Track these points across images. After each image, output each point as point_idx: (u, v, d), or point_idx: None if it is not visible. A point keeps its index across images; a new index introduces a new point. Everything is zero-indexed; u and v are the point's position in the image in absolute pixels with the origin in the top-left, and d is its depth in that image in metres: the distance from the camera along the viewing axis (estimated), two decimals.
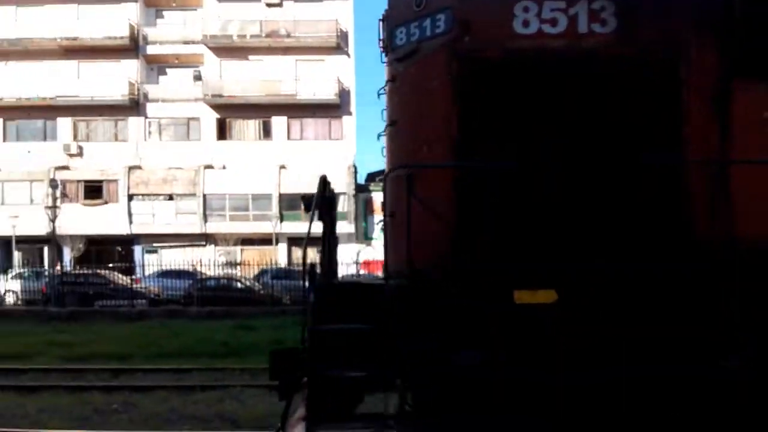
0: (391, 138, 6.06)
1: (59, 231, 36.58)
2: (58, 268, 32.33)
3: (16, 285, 32.65)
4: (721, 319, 5.11)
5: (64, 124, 44.00)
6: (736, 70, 5.53)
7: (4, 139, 44.37)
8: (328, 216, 6.34)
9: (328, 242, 6.54)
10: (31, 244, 40.69)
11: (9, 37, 42.91)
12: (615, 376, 4.97)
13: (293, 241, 39.97)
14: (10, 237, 38.80)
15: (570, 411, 4.87)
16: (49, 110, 43.37)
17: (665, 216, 5.40)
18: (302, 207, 38.87)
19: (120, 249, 41.47)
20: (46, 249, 40.73)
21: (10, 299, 32.24)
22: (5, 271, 35.13)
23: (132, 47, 43.95)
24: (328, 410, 5.16)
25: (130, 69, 44.23)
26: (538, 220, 5.42)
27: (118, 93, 42.99)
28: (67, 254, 39.80)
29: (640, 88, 5.56)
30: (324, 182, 6.25)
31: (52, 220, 35.49)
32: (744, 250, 5.15)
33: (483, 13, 5.79)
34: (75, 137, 44.01)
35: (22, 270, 35.97)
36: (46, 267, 36.65)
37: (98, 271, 33.08)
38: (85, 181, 42.32)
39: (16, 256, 40.13)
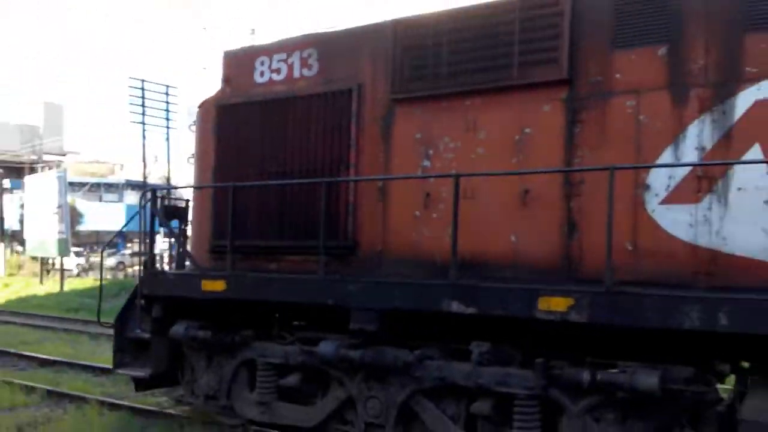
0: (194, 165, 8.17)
1: None
2: None
3: None
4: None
5: None
6: (397, 97, 6.46)
7: None
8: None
9: None
10: None
11: None
12: None
13: None
14: None
15: None
16: None
17: (337, 218, 6.63)
18: None
19: None
20: None
21: None
22: None
23: None
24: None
25: None
26: (259, 217, 7.12)
27: None
28: None
29: (330, 119, 6.83)
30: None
31: None
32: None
33: (236, 69, 7.61)
34: None
35: None
36: None
37: None
38: None
39: None
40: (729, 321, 4.44)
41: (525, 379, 5.32)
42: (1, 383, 9.30)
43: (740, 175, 4.93)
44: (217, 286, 6.74)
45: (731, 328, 4.45)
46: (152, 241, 7.94)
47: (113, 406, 8.28)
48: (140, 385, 7.75)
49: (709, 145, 5.11)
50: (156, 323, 7.30)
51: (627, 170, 5.20)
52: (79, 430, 7.39)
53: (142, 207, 7.69)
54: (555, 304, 5.02)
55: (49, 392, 9.08)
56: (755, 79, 4.95)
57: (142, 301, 7.36)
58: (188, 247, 8.00)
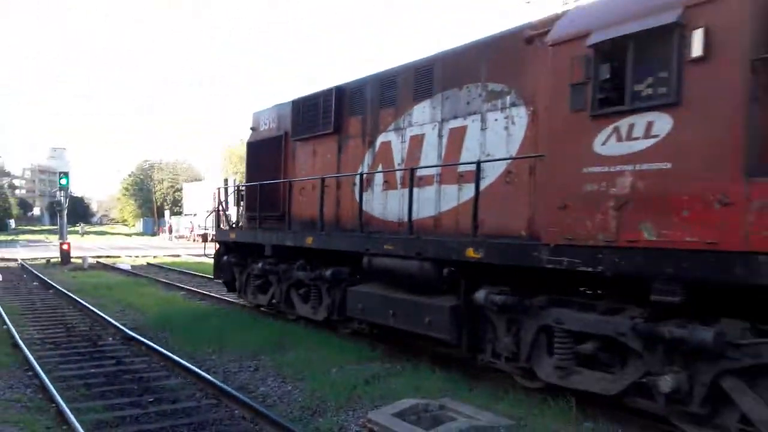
0: None
1: None
2: None
3: None
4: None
5: None
6: (294, 139, 12.79)
7: None
8: None
9: None
10: None
11: None
12: None
13: None
14: None
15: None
16: None
17: (280, 202, 13.19)
18: None
19: None
20: None
21: None
22: None
23: None
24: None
25: None
26: (259, 201, 14.05)
27: None
28: None
29: (278, 149, 13.40)
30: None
31: None
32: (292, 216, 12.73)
33: (254, 123, 14.54)
34: None
35: None
36: None
37: None
38: None
39: None
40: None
41: None
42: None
43: (378, 178, 10.38)
44: (232, 235, 13.99)
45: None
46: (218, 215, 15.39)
47: (444, 365, 8.75)
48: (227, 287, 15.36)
49: (370, 163, 10.60)
50: (218, 254, 14.89)
51: (353, 174, 10.91)
52: (415, 381, 8.05)
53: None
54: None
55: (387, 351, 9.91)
56: (384, 131, 10.32)
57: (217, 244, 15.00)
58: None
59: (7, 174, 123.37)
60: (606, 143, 6.15)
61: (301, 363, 9.19)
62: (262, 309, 13.98)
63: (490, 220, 8.02)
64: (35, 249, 43.14)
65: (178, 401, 7.86)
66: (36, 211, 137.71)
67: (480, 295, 7.75)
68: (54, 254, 32.30)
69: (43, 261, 30.91)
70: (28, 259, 31.61)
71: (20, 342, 10.83)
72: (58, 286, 19.31)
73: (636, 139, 5.90)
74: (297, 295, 12.27)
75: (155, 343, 10.73)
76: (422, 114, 9.49)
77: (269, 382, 8.64)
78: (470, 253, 7.73)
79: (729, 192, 5.17)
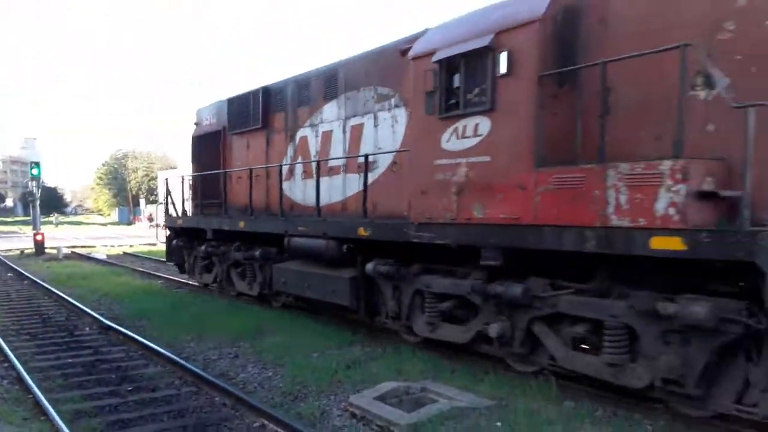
0: None
1: None
2: None
3: None
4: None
5: None
6: (230, 133, 14.13)
7: None
8: None
9: None
10: None
11: None
12: None
13: None
14: None
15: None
16: None
17: (219, 190, 14.57)
18: None
19: None
20: None
21: None
22: None
23: None
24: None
25: None
26: (202, 190, 15.40)
27: None
28: None
29: (216, 143, 14.73)
30: None
31: None
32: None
33: (198, 117, 15.86)
34: None
35: None
36: None
37: None
38: None
39: None
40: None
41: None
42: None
43: (299, 168, 11.80)
44: (179, 221, 15.38)
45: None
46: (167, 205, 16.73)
47: (425, 347, 8.90)
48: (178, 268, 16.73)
49: (292, 155, 12.02)
50: (169, 239, 16.26)
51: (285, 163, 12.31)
52: (396, 365, 8.15)
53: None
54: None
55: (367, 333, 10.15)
56: (302, 126, 11.73)
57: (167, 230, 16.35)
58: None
59: None
60: (449, 140, 7.63)
61: (281, 349, 9.25)
62: (210, 287, 15.40)
63: (383, 204, 9.51)
64: (9, 240, 43.31)
65: (158, 389, 7.84)
66: (9, 202, 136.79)
67: (370, 266, 9.27)
68: (28, 245, 32.48)
69: (17, 252, 31.14)
70: (2, 251, 31.79)
71: None
72: (32, 277, 19.37)
73: (468, 137, 7.38)
74: (236, 274, 13.72)
75: (133, 332, 10.71)
76: (331, 112, 10.92)
77: (249, 368, 8.66)
78: (361, 232, 9.22)
79: (524, 179, 6.68)
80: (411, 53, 8.26)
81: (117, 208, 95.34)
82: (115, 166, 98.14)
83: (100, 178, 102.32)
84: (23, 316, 13.14)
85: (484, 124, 7.19)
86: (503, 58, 6.88)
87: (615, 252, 5.86)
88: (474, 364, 8.20)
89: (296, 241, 10.92)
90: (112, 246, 36.18)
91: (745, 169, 5.08)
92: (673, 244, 5.39)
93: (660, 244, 5.49)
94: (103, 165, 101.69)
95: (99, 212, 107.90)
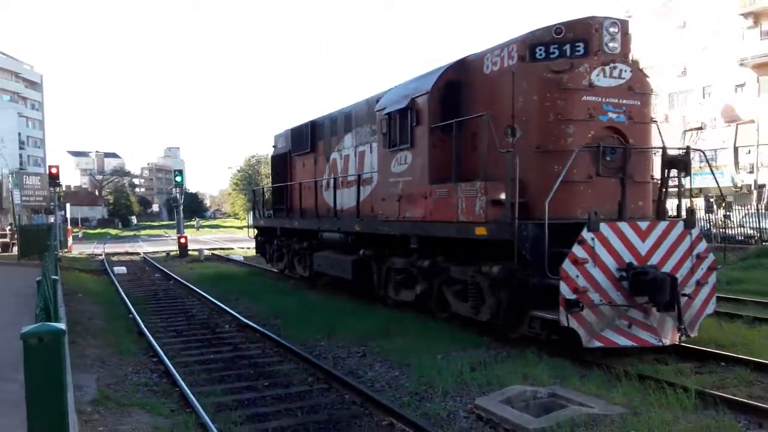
0: None
1: None
2: None
3: None
4: None
5: None
6: (293, 154, 18.65)
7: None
8: None
9: None
10: None
11: None
12: None
13: None
14: None
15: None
16: None
17: (288, 198, 19.12)
18: None
19: None
20: None
21: None
22: None
23: None
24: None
25: None
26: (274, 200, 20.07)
27: None
28: None
29: (285, 162, 19.30)
30: None
31: None
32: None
33: (275, 141, 20.56)
34: None
35: None
36: None
37: None
38: None
39: None
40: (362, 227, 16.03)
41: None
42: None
43: (332, 181, 16.06)
44: (261, 222, 20.17)
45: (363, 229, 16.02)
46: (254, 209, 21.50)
47: (551, 353, 8.71)
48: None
49: (328, 173, 16.29)
50: (256, 237, 21.12)
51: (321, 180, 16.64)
52: (521, 368, 8.06)
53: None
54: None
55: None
56: (333, 151, 15.98)
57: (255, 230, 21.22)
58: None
59: (128, 174, 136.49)
60: (394, 166, 11.58)
61: (406, 349, 9.40)
62: (303, 276, 19.94)
63: (377, 207, 13.55)
64: (155, 243, 47.70)
65: (291, 385, 8.16)
66: (155, 207, 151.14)
67: (361, 252, 13.35)
68: (172, 247, 35.50)
69: (163, 254, 33.66)
70: (150, 253, 34.58)
71: (145, 330, 11.51)
72: (177, 278, 20.76)
73: (402, 164, 11.31)
74: (296, 261, 18.25)
75: (268, 330, 11.30)
76: (348, 141, 15.09)
77: (377, 367, 8.92)
78: (356, 227, 13.34)
79: (425, 191, 10.53)
80: (378, 106, 12.27)
81: (251, 212, 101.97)
82: (249, 171, 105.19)
83: (236, 184, 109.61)
84: (170, 314, 14.09)
85: (408, 155, 11.10)
86: (414, 114, 10.78)
87: (462, 237, 9.60)
88: (605, 370, 8.02)
89: (324, 236, 15.23)
90: (248, 248, 35.82)
91: (513, 187, 8.69)
92: (482, 231, 9.10)
93: (479, 231, 9.20)
94: (239, 171, 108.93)
95: (235, 216, 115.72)
